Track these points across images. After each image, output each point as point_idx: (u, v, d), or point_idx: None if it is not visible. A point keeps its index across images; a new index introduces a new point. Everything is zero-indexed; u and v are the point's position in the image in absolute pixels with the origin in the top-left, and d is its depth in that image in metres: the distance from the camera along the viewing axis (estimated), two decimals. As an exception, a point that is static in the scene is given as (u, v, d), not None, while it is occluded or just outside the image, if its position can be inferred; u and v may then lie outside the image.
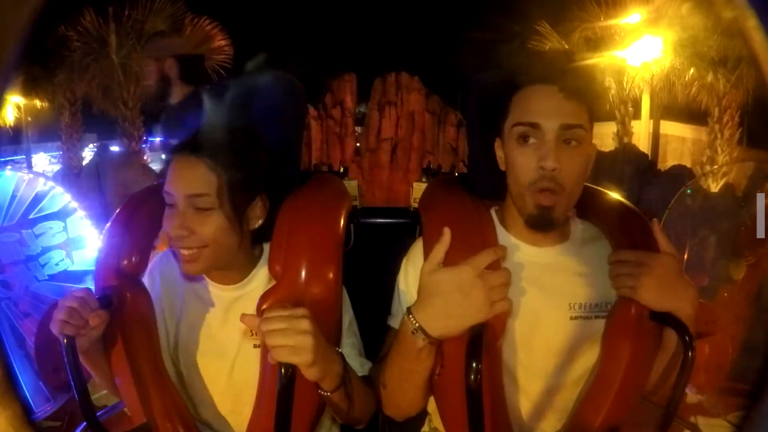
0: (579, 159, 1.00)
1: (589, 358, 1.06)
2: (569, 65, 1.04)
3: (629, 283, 0.98)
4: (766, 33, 0.63)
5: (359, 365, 1.14)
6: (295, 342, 0.88)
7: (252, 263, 1.15)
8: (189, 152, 1.04)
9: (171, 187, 1.04)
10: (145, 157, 9.72)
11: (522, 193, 1.02)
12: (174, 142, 1.11)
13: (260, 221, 1.10)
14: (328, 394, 0.98)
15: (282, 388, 0.89)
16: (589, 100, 1.02)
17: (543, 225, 1.02)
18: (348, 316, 1.16)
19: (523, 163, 1.01)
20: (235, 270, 1.13)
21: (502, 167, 1.08)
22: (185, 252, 1.04)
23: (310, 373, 0.91)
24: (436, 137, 13.20)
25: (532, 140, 1.00)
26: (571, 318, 1.05)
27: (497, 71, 1.17)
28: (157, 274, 1.19)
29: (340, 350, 1.04)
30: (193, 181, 1.03)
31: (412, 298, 1.02)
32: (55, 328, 0.94)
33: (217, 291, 1.15)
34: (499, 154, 1.09)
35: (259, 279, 1.14)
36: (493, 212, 1.14)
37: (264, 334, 0.89)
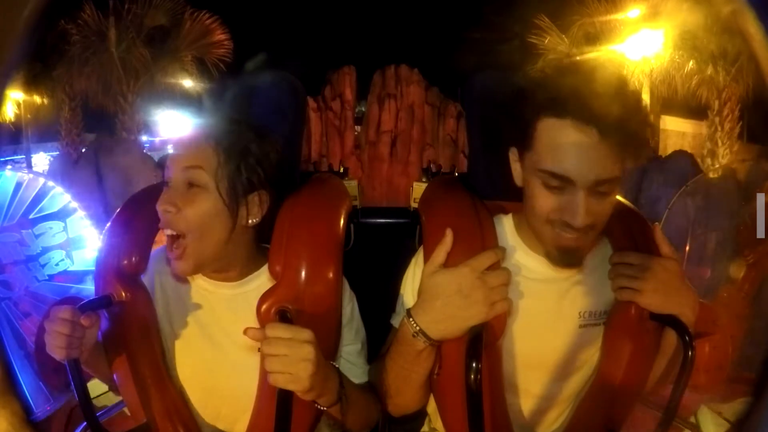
0: (608, 205, 0.93)
1: (592, 362, 1.06)
2: (611, 96, 0.88)
3: (631, 286, 0.97)
4: (766, 32, 0.63)
5: (365, 372, 1.14)
6: (295, 370, 0.87)
7: (255, 263, 1.11)
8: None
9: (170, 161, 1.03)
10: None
11: (540, 228, 0.97)
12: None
13: (256, 219, 1.06)
14: (324, 408, 0.98)
15: (281, 391, 0.89)
16: (632, 143, 0.90)
17: (567, 263, 0.98)
18: (355, 321, 1.14)
19: (545, 205, 0.93)
20: (234, 270, 1.09)
21: (519, 182, 1.01)
22: (171, 242, 1.01)
23: (305, 396, 0.91)
24: (436, 129, 13.15)
25: (561, 190, 0.91)
26: (580, 326, 1.04)
27: (497, 72, 1.16)
28: (153, 270, 1.15)
29: (337, 366, 1.03)
30: (192, 156, 1.02)
31: (415, 299, 1.01)
32: (55, 354, 0.93)
33: (211, 287, 1.11)
34: (516, 167, 1.00)
35: (261, 279, 1.10)
36: (510, 218, 1.08)
37: (263, 357, 0.87)
